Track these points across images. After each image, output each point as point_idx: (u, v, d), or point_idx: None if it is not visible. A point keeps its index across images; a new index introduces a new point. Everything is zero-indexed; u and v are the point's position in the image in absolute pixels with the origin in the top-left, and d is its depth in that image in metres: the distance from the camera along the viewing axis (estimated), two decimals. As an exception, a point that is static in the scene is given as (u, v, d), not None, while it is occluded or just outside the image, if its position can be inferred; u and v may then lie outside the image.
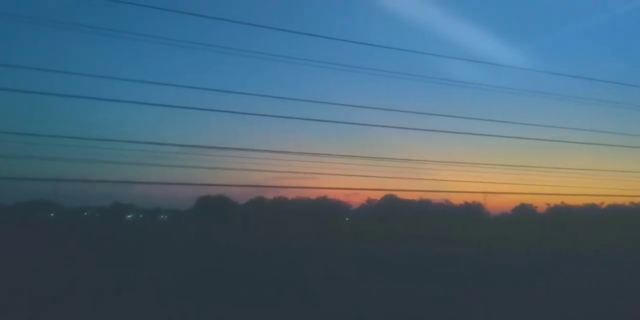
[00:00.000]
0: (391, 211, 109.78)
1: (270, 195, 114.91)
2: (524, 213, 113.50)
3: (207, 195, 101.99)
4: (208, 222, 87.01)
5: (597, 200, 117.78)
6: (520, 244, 41.68)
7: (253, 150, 20.77)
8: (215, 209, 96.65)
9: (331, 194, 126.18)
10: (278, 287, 16.31)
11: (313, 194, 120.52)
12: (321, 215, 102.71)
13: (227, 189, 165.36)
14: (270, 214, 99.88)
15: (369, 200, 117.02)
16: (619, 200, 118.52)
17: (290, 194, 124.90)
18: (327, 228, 73.07)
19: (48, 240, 38.97)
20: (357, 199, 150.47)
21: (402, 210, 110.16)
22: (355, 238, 48.20)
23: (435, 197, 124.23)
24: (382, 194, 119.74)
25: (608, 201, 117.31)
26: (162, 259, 24.80)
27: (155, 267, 21.09)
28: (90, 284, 16.10)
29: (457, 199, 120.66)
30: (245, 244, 38.77)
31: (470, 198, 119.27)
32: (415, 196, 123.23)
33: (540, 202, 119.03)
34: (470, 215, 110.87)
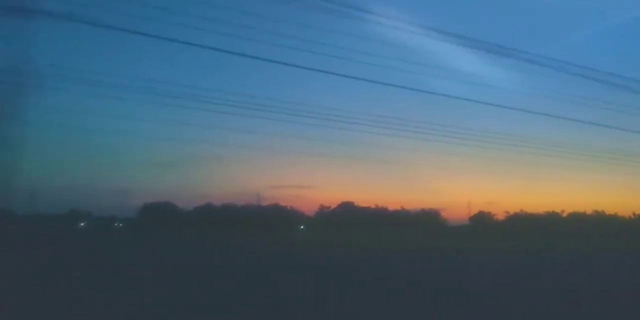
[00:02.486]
0: (347, 219, 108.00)
1: (218, 201, 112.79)
2: (482, 221, 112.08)
3: (154, 202, 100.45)
4: (152, 229, 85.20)
5: (557, 208, 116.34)
6: (476, 251, 42.17)
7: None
8: (161, 216, 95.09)
9: (284, 202, 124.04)
10: (225, 295, 15.69)
11: (267, 201, 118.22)
12: (273, 223, 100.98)
13: (173, 196, 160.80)
14: (219, 221, 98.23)
15: (323, 208, 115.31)
16: (580, 208, 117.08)
17: (239, 201, 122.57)
18: (279, 236, 71.47)
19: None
20: (311, 206, 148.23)
21: (358, 218, 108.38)
22: (309, 246, 48.06)
23: (392, 205, 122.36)
24: (338, 201, 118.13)
25: (569, 209, 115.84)
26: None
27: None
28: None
29: (414, 206, 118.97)
30: (189, 252, 37.78)
31: (427, 205, 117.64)
32: (371, 203, 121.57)
33: (500, 210, 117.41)
34: (426, 223, 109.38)
